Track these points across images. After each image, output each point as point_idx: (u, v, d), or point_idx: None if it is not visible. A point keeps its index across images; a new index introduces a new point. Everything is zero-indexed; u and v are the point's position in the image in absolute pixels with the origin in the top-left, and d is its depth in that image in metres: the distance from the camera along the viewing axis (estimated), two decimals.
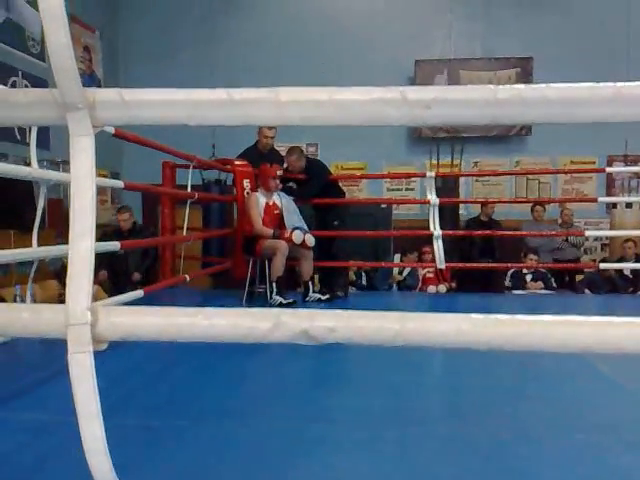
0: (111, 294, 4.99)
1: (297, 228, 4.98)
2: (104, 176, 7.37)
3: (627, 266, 6.67)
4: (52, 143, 6.22)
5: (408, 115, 1.07)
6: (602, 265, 6.64)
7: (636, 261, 6.78)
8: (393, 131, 8.39)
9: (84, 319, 1.12)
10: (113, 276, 6.19)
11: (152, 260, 6.36)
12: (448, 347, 1.15)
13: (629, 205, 7.80)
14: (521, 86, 1.05)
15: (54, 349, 1.28)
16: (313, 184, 5.57)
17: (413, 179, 8.59)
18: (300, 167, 5.56)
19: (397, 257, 7.73)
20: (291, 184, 5.59)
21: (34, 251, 2.89)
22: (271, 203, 5.14)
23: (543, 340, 1.10)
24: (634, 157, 8.18)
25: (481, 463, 1.89)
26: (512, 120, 1.10)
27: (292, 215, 5.20)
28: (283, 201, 5.21)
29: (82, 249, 1.15)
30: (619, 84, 1.02)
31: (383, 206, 8.46)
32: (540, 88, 1.05)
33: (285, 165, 5.56)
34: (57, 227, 5.83)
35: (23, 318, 1.19)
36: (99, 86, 8.29)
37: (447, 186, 7.38)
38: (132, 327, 1.17)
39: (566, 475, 1.81)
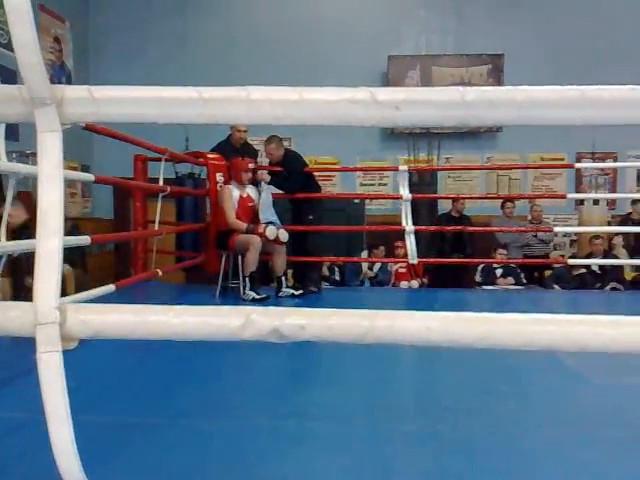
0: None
1: (270, 223, 4.97)
2: (74, 169, 7.25)
3: (595, 262, 6.78)
4: (21, 134, 6.11)
5: (377, 116, 1.08)
6: (571, 261, 6.74)
7: (604, 257, 6.90)
8: (366, 127, 8.40)
9: (53, 318, 1.11)
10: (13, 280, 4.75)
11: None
12: (417, 345, 1.17)
13: (596, 202, 7.93)
14: (489, 88, 1.07)
15: (22, 346, 1.26)
16: (294, 176, 5.50)
17: (386, 174, 8.63)
18: (279, 156, 5.49)
19: (364, 253, 7.73)
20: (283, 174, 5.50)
21: (2, 245, 2.84)
22: (245, 196, 5.11)
23: (510, 338, 1.12)
24: (601, 154, 8.32)
25: (451, 459, 1.91)
26: (480, 121, 1.11)
27: (267, 209, 5.17)
28: (262, 194, 5.18)
29: (50, 247, 1.13)
30: (584, 87, 1.04)
31: (356, 201, 8.47)
32: (508, 90, 1.06)
33: (259, 159, 5.53)
34: None
35: None
36: (69, 77, 8.15)
37: (424, 181, 7.41)
38: (101, 325, 1.16)
39: (535, 471, 1.84)
